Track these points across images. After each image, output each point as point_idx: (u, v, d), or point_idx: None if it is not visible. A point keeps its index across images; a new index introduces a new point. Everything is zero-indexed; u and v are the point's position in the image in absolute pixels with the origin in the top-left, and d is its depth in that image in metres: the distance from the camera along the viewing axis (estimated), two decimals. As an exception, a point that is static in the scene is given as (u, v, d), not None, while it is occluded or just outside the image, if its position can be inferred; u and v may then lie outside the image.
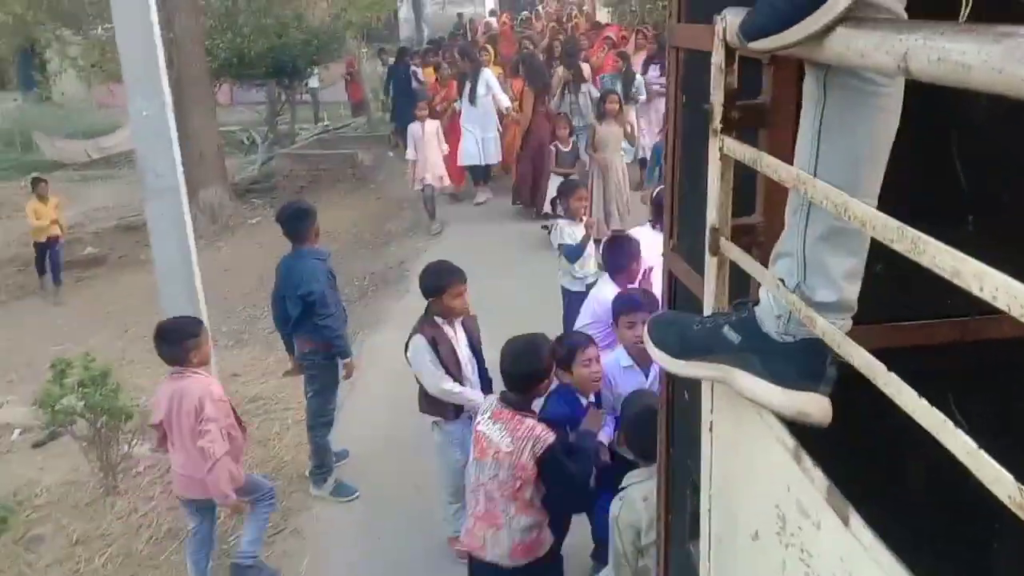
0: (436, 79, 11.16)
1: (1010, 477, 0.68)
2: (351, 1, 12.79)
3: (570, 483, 2.98)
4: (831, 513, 1.00)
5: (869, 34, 0.86)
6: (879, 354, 1.42)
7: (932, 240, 0.77)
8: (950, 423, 0.77)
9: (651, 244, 4.26)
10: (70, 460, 4.99)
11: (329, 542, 4.21)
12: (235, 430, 3.66)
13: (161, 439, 3.76)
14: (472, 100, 9.43)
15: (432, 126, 8.84)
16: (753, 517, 1.29)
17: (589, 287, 5.09)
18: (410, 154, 8.93)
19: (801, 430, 1.17)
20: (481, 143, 9.48)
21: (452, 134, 9.68)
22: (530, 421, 2.97)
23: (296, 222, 4.37)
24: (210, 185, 10.61)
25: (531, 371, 3.06)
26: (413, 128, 8.84)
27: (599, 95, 8.43)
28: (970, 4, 1.18)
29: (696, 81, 1.79)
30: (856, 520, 0.95)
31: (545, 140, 8.61)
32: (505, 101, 9.47)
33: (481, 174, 9.92)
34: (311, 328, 4.26)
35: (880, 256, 1.11)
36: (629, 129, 8.28)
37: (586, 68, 9.80)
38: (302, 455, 4.76)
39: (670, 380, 2.07)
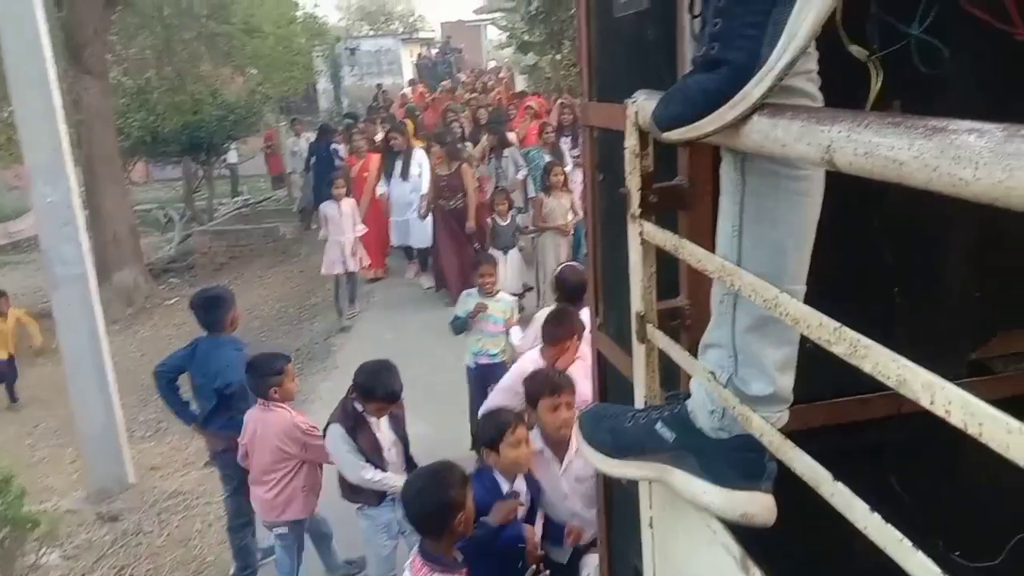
0: (352, 152, 10.88)
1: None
2: (267, 76, 12.72)
3: None
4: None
5: (788, 124, 0.81)
6: (816, 432, 1.38)
7: (875, 344, 0.71)
8: (907, 542, 0.70)
9: None
10: (-31, 575, 4.60)
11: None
12: (325, 457, 3.75)
13: (244, 456, 3.91)
14: (405, 176, 8.84)
15: (349, 205, 8.19)
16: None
17: (494, 366, 4.99)
18: (323, 234, 8.19)
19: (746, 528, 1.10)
20: (410, 224, 8.94)
21: (373, 213, 9.24)
22: (415, 566, 2.59)
23: (211, 310, 4.16)
24: (124, 267, 10.24)
25: (438, 508, 2.59)
26: (327, 208, 8.13)
27: (542, 166, 7.93)
28: (880, 81, 1.17)
29: (612, 159, 1.76)
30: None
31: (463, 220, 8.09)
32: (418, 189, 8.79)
33: (412, 253, 9.42)
34: (225, 423, 4.03)
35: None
36: (573, 201, 7.66)
37: (512, 136, 9.59)
38: (226, 554, 4.48)
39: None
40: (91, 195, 9.50)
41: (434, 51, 27.80)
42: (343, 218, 8.00)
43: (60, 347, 5.66)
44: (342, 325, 8.20)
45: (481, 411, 3.77)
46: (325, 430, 3.64)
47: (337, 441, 3.53)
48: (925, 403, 0.65)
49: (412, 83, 22.33)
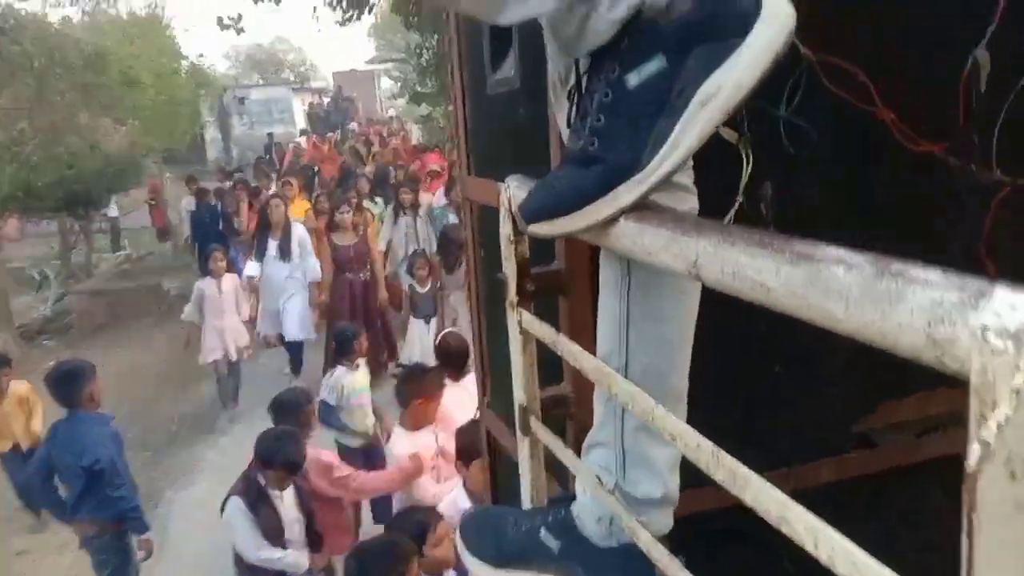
0: (249, 205, 10.12)
1: None
2: (148, 128, 12.26)
3: None
4: None
5: (655, 232, 0.77)
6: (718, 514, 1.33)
7: (754, 476, 0.66)
8: None
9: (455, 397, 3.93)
10: None
11: None
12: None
13: None
14: (284, 256, 7.28)
15: (231, 283, 7.02)
16: None
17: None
18: (189, 314, 6.95)
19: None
20: (285, 312, 7.36)
21: None
22: None
23: (66, 386, 3.87)
24: (-7, 330, 9.58)
25: None
26: (204, 286, 6.88)
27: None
28: (751, 164, 1.16)
29: (492, 235, 1.71)
30: None
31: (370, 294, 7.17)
32: (315, 272, 7.29)
33: (298, 351, 7.65)
34: (97, 505, 3.74)
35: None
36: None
37: (426, 197, 8.79)
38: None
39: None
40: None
41: (326, 100, 27.59)
42: (223, 298, 6.88)
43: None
44: (229, 416, 7.15)
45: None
46: (224, 504, 3.44)
47: (236, 515, 3.34)
48: (808, 547, 0.60)
49: (304, 133, 22.04)
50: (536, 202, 0.94)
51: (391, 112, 25.73)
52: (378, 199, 9.55)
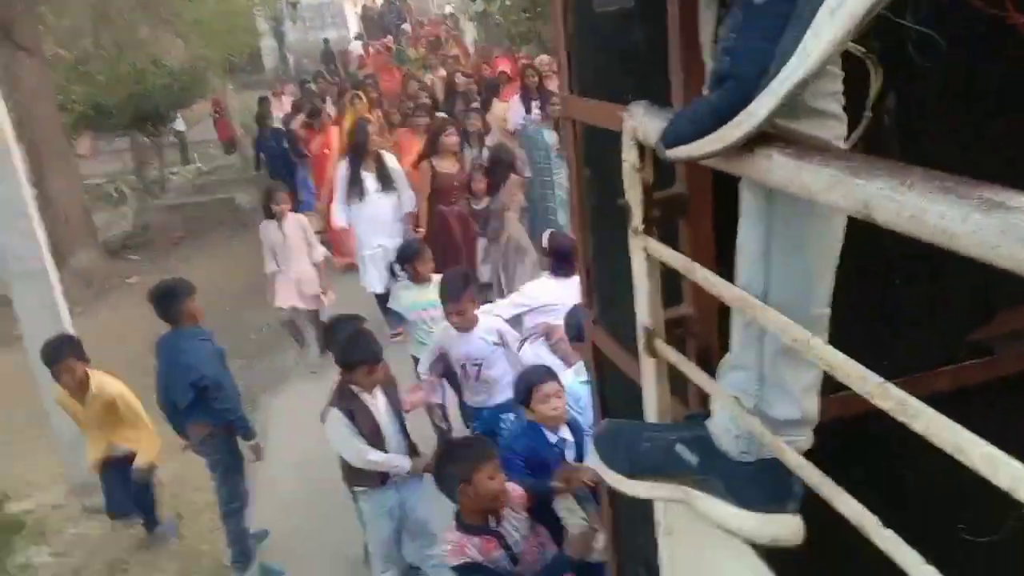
0: (309, 128, 9.16)
1: None
2: (207, 41, 12.29)
3: None
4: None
5: (817, 170, 0.78)
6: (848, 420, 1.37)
7: (926, 408, 0.70)
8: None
9: (556, 293, 4.17)
10: (-44, 582, 4.55)
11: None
12: None
13: None
14: (387, 188, 6.40)
15: (296, 225, 6.20)
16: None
17: None
18: (269, 267, 6.24)
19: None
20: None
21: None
22: (449, 535, 2.87)
23: (166, 302, 4.06)
24: (80, 249, 9.98)
25: (446, 481, 2.89)
26: (268, 231, 6.17)
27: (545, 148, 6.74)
28: (880, 79, 1.14)
29: (596, 155, 1.72)
30: None
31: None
32: (409, 203, 6.47)
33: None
34: (206, 412, 3.98)
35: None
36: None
37: (500, 107, 7.79)
38: (219, 542, 4.47)
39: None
40: (38, 178, 9.18)
41: (378, 1, 27.00)
42: (288, 244, 6.12)
43: (24, 340, 5.51)
44: (309, 365, 6.47)
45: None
46: (323, 415, 3.63)
47: (337, 425, 3.52)
48: (987, 474, 0.64)
49: (359, 37, 21.68)
50: (675, 129, 0.96)
51: (448, 8, 24.75)
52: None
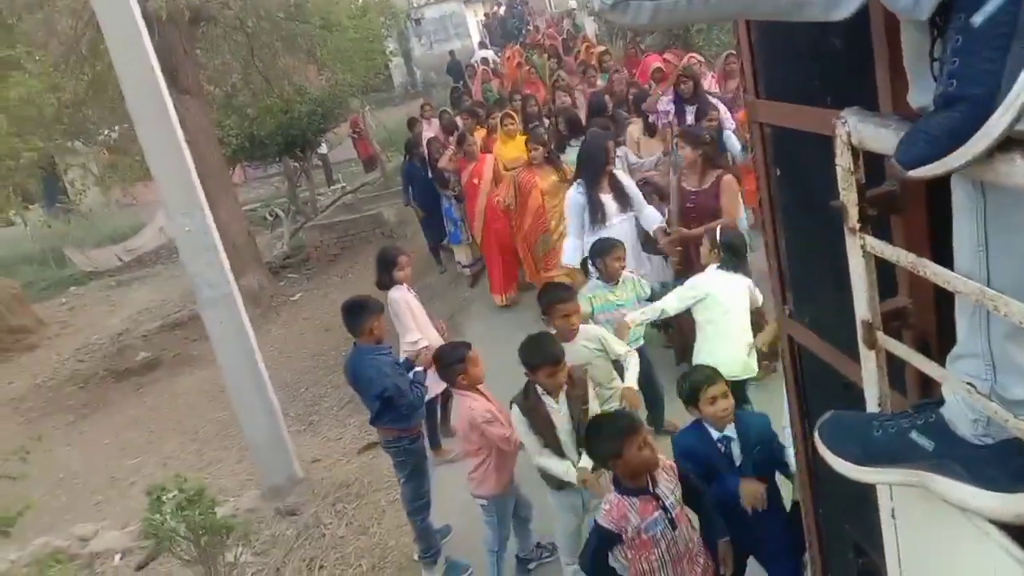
0: (453, 155, 8.33)
1: None
2: (347, 67, 12.93)
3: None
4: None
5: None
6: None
7: None
8: None
9: (721, 286, 4.29)
10: (175, 578, 5.04)
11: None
12: (503, 443, 3.89)
13: None
14: (603, 220, 5.56)
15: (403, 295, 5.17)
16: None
17: None
18: (412, 336, 5.11)
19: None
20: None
21: (492, 230, 7.66)
22: (609, 498, 3.04)
23: (350, 316, 4.38)
24: (247, 271, 10.75)
25: (600, 452, 3.11)
26: (395, 297, 5.13)
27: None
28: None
29: (787, 154, 1.78)
30: None
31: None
32: (654, 219, 5.60)
33: None
34: (394, 417, 4.28)
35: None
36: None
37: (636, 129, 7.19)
38: (405, 538, 4.76)
39: (806, 441, 2.05)
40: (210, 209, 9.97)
41: (500, 7, 27.38)
42: (415, 311, 5.23)
43: (216, 359, 6.02)
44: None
45: None
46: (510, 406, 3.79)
47: (516, 421, 3.69)
48: None
49: (482, 46, 22.08)
50: (913, 151, 1.03)
51: (572, 3, 24.42)
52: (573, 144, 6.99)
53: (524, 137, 7.59)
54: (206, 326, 5.93)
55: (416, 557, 4.58)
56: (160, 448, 7.82)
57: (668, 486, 3.01)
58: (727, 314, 4.25)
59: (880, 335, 1.33)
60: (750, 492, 3.05)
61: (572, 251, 5.65)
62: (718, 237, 4.46)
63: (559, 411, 3.64)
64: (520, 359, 3.66)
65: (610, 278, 4.79)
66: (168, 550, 4.78)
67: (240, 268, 10.63)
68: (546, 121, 8.21)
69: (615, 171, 5.81)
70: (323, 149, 16.27)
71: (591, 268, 5.00)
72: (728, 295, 4.24)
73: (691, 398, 3.22)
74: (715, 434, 3.19)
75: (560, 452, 3.64)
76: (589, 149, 5.88)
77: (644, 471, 2.94)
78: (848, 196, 1.30)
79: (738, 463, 3.13)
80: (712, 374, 3.27)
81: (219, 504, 5.51)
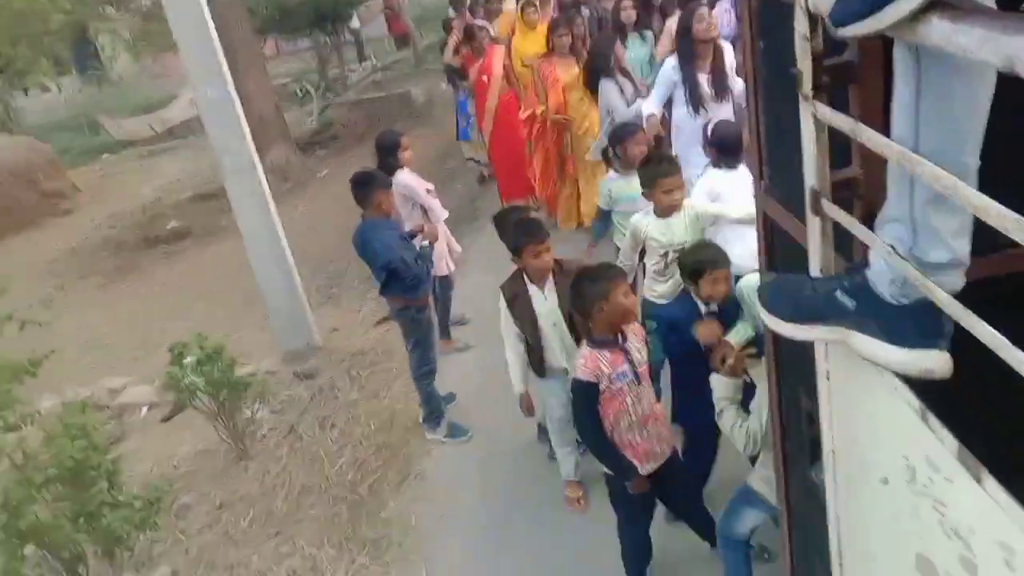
0: (466, 52, 7.68)
1: None
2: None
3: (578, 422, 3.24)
4: (963, 471, 1.06)
5: (969, 30, 0.87)
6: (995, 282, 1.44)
7: (1054, 236, 0.81)
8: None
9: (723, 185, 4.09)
10: (198, 431, 5.34)
11: (451, 484, 4.44)
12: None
13: None
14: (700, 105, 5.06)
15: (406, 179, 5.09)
16: (881, 464, 1.36)
17: None
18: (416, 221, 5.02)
19: (922, 382, 1.23)
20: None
21: (502, 133, 7.24)
22: (582, 352, 3.15)
23: (358, 189, 4.45)
24: (275, 146, 10.81)
25: (576, 296, 3.16)
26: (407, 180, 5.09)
27: None
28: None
29: (771, 28, 1.78)
30: (990, 480, 1.01)
31: None
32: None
33: None
34: (400, 288, 4.41)
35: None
36: None
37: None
38: (412, 404, 4.99)
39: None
40: (236, 80, 9.92)
41: None
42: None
43: (239, 227, 6.16)
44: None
45: None
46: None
47: (501, 307, 3.78)
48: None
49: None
50: (845, 7, 1.05)
51: None
52: (647, 34, 6.56)
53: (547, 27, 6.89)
54: (229, 196, 6.06)
55: (421, 419, 4.83)
56: (187, 313, 8.09)
57: (636, 344, 3.17)
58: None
59: (825, 202, 1.38)
60: (706, 329, 3.17)
61: (647, 109, 5.25)
62: (709, 134, 4.38)
63: (544, 300, 3.66)
64: (504, 242, 3.70)
65: (629, 166, 4.55)
66: (190, 404, 5.07)
67: (267, 142, 10.70)
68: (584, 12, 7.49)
69: (721, 44, 5.12)
70: (355, 24, 15.99)
71: (612, 156, 4.80)
72: (730, 192, 4.02)
73: (694, 273, 3.29)
74: (703, 307, 3.28)
75: (539, 344, 3.69)
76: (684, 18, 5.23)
77: (623, 320, 3.09)
78: (803, 63, 1.32)
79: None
80: (721, 257, 3.30)
81: (240, 365, 5.77)
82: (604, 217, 4.81)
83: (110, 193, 13.32)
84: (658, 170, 3.78)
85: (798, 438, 2.16)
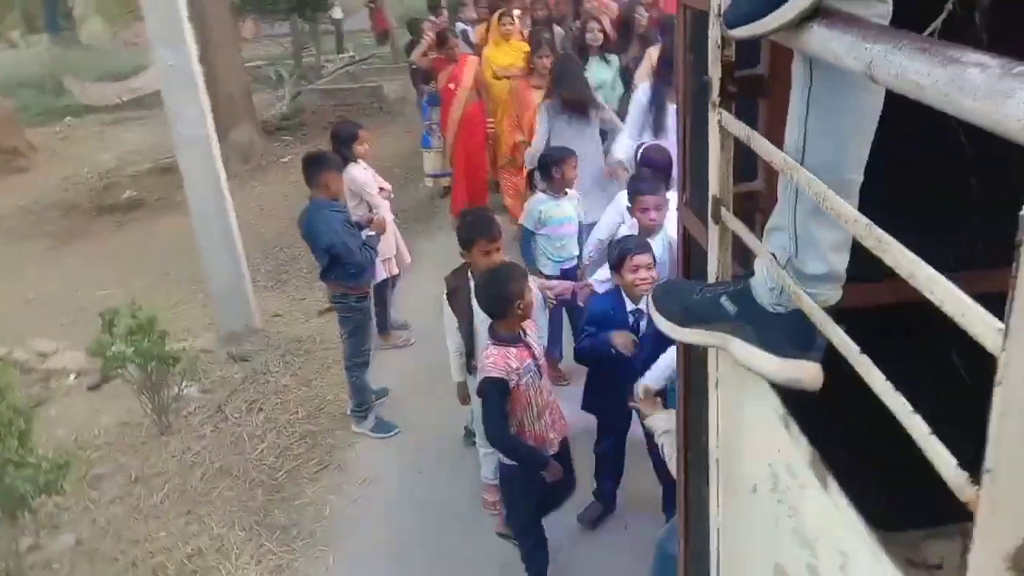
0: (435, 56, 7.52)
1: (954, 462, 0.75)
2: (371, -72, 12.53)
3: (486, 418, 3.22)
4: (813, 477, 1.08)
5: (841, 36, 0.89)
6: (880, 310, 1.48)
7: (894, 241, 0.83)
8: (908, 406, 0.84)
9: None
10: (124, 402, 5.24)
11: (372, 477, 4.41)
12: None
13: None
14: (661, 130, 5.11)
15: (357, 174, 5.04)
16: (752, 472, 1.38)
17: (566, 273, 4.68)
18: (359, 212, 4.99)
19: (796, 393, 1.25)
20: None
21: (466, 147, 7.14)
22: (488, 351, 3.16)
23: (307, 168, 4.43)
24: (240, 125, 10.68)
25: (495, 297, 3.15)
26: (358, 173, 5.03)
27: None
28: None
29: (700, 40, 1.81)
30: (833, 485, 1.03)
31: None
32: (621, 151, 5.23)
33: None
34: (341, 274, 4.38)
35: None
36: None
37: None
38: (343, 395, 4.95)
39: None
40: (205, 54, 9.77)
41: None
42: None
43: (187, 201, 6.08)
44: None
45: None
46: None
47: (443, 302, 3.79)
48: (927, 294, 0.77)
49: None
50: (737, 10, 1.08)
51: None
52: (611, 58, 6.60)
53: (521, 42, 6.93)
54: (180, 166, 5.97)
55: (348, 411, 4.78)
56: (131, 283, 7.94)
57: (533, 337, 3.26)
58: None
59: (724, 211, 1.40)
60: (621, 338, 3.28)
61: (627, 151, 5.11)
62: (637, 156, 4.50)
63: None
64: (457, 235, 3.73)
65: (559, 189, 4.68)
66: (117, 374, 4.97)
67: (232, 121, 10.57)
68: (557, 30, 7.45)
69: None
70: (337, 14, 15.93)
71: (537, 179, 4.84)
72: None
73: (617, 263, 3.38)
74: (630, 305, 3.32)
75: (471, 341, 3.69)
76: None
77: (527, 316, 3.17)
78: (714, 70, 1.35)
79: (640, 335, 3.28)
80: (644, 244, 3.42)
81: (176, 341, 5.68)
82: (527, 239, 4.81)
83: (68, 156, 13.04)
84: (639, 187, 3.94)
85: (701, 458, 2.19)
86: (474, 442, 4.14)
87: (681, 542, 2.36)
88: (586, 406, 3.80)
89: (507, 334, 3.17)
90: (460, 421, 4.47)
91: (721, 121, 1.34)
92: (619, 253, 3.38)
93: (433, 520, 4.00)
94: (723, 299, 1.30)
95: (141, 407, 4.97)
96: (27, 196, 11.21)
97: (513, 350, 3.13)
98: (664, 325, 1.41)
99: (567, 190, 4.76)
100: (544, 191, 4.75)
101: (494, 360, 3.10)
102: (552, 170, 4.66)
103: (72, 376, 6.09)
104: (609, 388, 3.50)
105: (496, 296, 3.15)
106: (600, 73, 6.44)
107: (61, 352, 6.47)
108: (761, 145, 1.18)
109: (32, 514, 3.92)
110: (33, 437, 3.94)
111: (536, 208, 4.73)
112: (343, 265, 4.34)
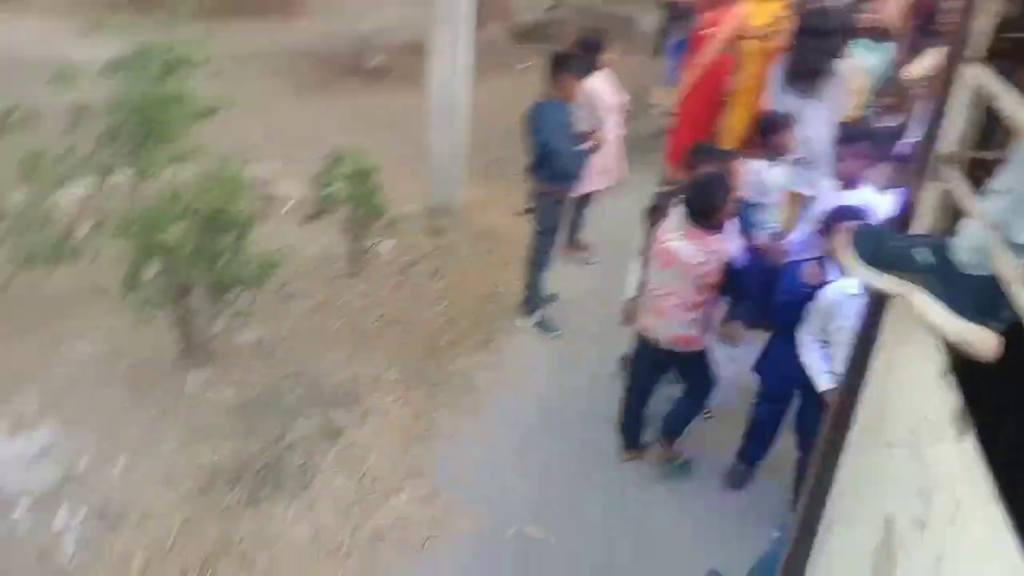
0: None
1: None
2: None
3: (741, 290, 3.64)
4: (952, 430, 1.10)
5: None
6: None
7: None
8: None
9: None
10: (328, 239, 5.72)
11: (524, 368, 4.63)
12: None
13: None
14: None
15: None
16: (891, 428, 1.39)
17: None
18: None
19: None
20: None
21: (699, 96, 6.18)
22: (718, 238, 3.50)
23: (553, 65, 4.50)
24: (492, 21, 10.96)
25: (705, 208, 3.48)
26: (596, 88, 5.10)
27: None
28: None
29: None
30: (970, 436, 1.04)
31: None
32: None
33: None
34: (547, 173, 4.51)
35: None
36: None
37: None
38: (517, 288, 5.17)
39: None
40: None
41: None
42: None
43: (427, 77, 6.38)
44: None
45: None
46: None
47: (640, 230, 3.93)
48: None
49: None
50: None
51: None
52: (885, 45, 5.90)
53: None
54: (434, 40, 6.26)
55: (519, 303, 5.00)
56: (360, 139, 8.51)
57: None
58: None
59: (942, 168, 1.38)
60: (811, 269, 3.52)
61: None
62: None
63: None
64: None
65: (774, 154, 4.50)
66: (330, 210, 5.43)
67: (487, 15, 10.84)
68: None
69: None
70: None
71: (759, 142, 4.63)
72: None
73: (829, 228, 3.46)
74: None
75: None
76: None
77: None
78: (978, 23, 1.31)
79: None
80: (861, 211, 3.52)
81: (386, 199, 6.08)
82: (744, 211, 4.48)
83: (332, 15, 13.91)
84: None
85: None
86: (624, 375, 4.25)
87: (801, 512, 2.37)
88: (758, 367, 3.81)
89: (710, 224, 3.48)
90: (616, 349, 4.55)
91: (975, 76, 1.31)
92: (833, 217, 3.39)
93: (567, 426, 4.17)
94: (921, 249, 1.30)
95: (343, 245, 5.41)
96: (291, 42, 12.14)
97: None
98: (854, 261, 1.42)
99: (782, 157, 4.55)
100: (765, 157, 4.54)
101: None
102: (771, 135, 4.51)
103: (290, 203, 6.69)
104: (784, 353, 3.48)
105: (713, 192, 3.48)
106: (865, 57, 5.79)
107: (287, 180, 7.09)
108: (1008, 103, 1.16)
109: (231, 303, 4.42)
110: (248, 238, 4.42)
111: (758, 176, 4.51)
112: (551, 165, 4.47)
